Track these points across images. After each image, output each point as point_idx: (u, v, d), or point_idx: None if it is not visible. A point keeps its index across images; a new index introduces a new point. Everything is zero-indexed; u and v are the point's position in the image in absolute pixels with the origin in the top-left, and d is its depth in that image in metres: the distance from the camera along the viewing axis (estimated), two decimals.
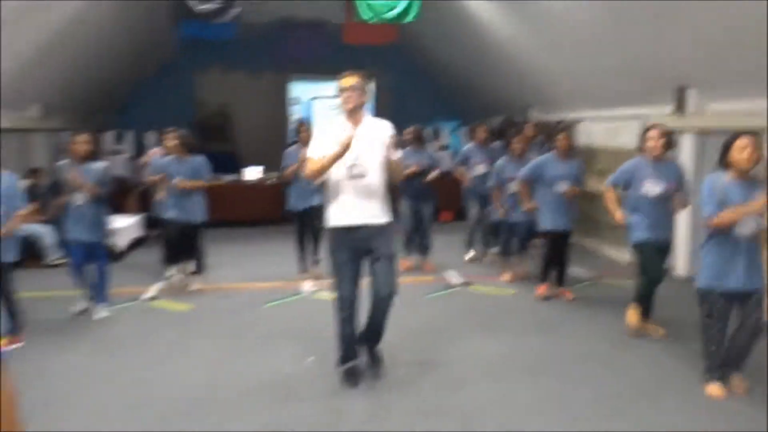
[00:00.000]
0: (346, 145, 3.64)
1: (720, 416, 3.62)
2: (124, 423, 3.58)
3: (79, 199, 5.40)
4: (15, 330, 4.88)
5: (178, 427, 3.51)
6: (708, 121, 6.15)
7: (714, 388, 3.88)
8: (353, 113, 3.87)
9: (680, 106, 6.41)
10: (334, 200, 3.93)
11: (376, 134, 3.89)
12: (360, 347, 4.17)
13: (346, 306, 3.96)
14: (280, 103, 13.59)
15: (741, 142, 3.64)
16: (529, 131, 7.64)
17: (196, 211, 6.30)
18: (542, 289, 6.00)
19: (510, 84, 10.14)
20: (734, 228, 3.65)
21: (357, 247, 3.90)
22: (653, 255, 4.72)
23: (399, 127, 7.30)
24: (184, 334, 5.11)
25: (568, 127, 6.51)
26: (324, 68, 12.67)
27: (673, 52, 6.02)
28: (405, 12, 8.46)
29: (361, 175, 3.84)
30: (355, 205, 3.87)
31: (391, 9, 8.43)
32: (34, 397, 3.85)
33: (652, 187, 4.62)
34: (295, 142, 6.86)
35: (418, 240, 7.32)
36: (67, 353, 4.68)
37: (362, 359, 4.17)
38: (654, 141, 4.60)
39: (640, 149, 4.74)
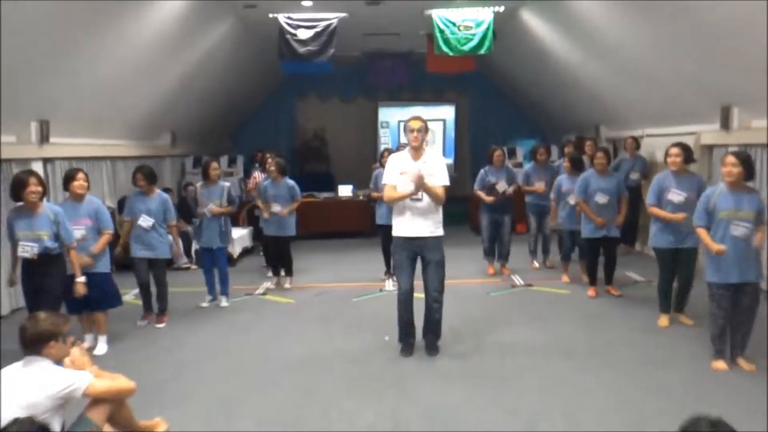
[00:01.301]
0: (417, 187, 4.76)
1: (718, 385, 4.37)
2: (245, 377, 4.80)
3: (209, 214, 6.77)
4: (163, 311, 6.30)
5: (286, 378, 4.72)
6: (750, 137, 6.75)
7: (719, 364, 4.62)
8: (417, 149, 4.95)
9: (725, 124, 7.04)
10: (398, 216, 5.03)
11: (432, 166, 4.90)
12: (415, 337, 5.17)
13: (404, 296, 5.06)
14: (370, 126, 14.87)
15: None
16: (589, 149, 8.44)
17: (288, 227, 7.56)
18: (592, 291, 6.82)
19: (581, 104, 10.90)
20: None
21: (413, 252, 4.99)
22: (669, 258, 5.51)
23: (480, 146, 8.20)
24: (288, 320, 6.36)
25: (605, 147, 7.30)
26: (410, 94, 14.00)
27: (719, 74, 6.71)
28: (479, 45, 9.39)
29: (418, 199, 4.89)
30: (413, 221, 4.93)
31: (467, 43, 9.42)
32: (174, 362, 5.18)
33: (675, 196, 5.38)
34: (382, 165, 8.02)
35: (497, 248, 8.17)
36: (199, 333, 6.00)
37: (414, 339, 5.19)
38: (673, 157, 5.38)
39: (666, 164, 5.51)
